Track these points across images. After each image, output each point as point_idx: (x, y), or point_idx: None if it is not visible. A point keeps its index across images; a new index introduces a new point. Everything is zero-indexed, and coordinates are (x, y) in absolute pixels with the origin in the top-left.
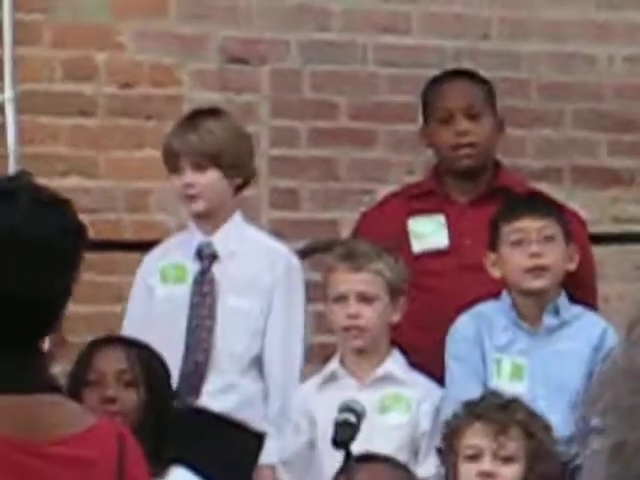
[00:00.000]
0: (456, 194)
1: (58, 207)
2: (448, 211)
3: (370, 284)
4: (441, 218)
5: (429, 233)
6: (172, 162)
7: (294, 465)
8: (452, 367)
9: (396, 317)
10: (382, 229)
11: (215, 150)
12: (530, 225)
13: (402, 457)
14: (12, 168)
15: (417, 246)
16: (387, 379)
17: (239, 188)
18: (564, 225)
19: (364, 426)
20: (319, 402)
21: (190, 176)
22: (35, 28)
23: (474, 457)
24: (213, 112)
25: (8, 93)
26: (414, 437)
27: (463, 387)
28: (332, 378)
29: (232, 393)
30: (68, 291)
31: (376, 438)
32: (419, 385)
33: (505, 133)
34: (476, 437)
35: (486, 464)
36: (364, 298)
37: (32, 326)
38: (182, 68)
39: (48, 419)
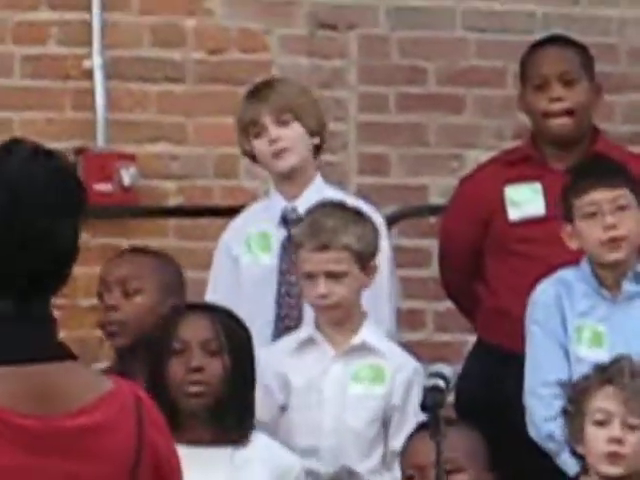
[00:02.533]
0: (553, 161)
1: (53, 158)
2: (545, 178)
3: (338, 262)
4: (538, 185)
5: (526, 201)
6: (253, 126)
7: (263, 429)
8: (533, 331)
9: (369, 281)
10: (479, 196)
11: (296, 103)
12: (602, 197)
13: (375, 428)
14: (101, 134)
15: (513, 214)
16: (363, 348)
17: (316, 150)
18: (637, 191)
19: (339, 395)
20: (295, 367)
21: (275, 131)
22: None
23: (603, 422)
24: (280, 77)
25: (97, 59)
26: (387, 408)
27: (543, 352)
28: (309, 343)
29: None
30: (74, 242)
31: (351, 408)
32: (395, 355)
33: (602, 98)
34: (607, 401)
35: (616, 430)
36: (333, 276)
37: (53, 281)
38: (270, 34)
39: (64, 389)
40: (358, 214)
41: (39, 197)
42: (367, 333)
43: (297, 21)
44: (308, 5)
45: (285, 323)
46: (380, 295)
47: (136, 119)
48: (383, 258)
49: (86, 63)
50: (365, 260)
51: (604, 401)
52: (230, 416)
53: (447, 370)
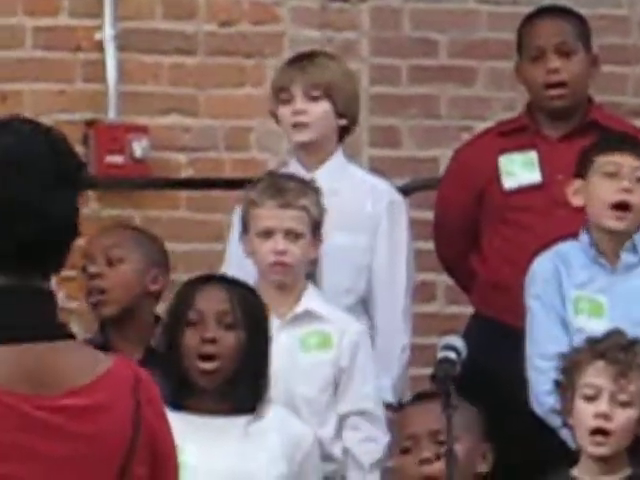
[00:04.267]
0: (547, 130)
1: (52, 133)
2: (540, 147)
3: (298, 221)
4: (533, 154)
5: (521, 169)
6: (283, 92)
7: None
8: (532, 306)
9: (314, 253)
10: (473, 166)
11: (330, 82)
12: (626, 161)
13: (327, 395)
14: (112, 105)
15: (508, 183)
16: (307, 315)
17: (342, 132)
18: None
19: (288, 365)
20: None
21: (301, 103)
22: None
23: (591, 397)
24: (327, 52)
25: (108, 31)
26: (336, 373)
27: (543, 325)
28: None
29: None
30: (71, 215)
31: (299, 377)
32: (339, 320)
33: (600, 69)
34: (597, 376)
35: (603, 405)
36: (291, 235)
37: (46, 253)
38: (282, 5)
39: (61, 368)
40: (309, 184)
41: (30, 168)
42: (309, 300)
43: None
44: None
45: None
46: (398, 266)
47: (147, 91)
48: (402, 231)
49: (97, 35)
50: (316, 228)
51: (594, 376)
52: (243, 388)
53: (458, 342)
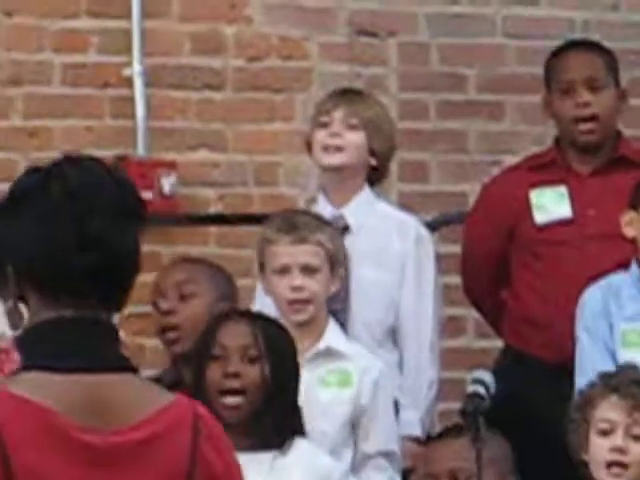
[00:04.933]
0: (577, 164)
1: (115, 170)
2: (570, 182)
3: (313, 256)
4: (563, 189)
5: (552, 204)
6: (323, 115)
7: None
8: (582, 338)
9: (334, 288)
10: (503, 201)
11: (370, 118)
12: None
13: (345, 432)
14: (141, 141)
15: (540, 217)
16: (328, 353)
17: (373, 172)
18: None
19: (307, 402)
20: None
21: (339, 127)
22: (163, 1)
23: (606, 432)
24: (373, 95)
25: (137, 67)
26: (355, 411)
27: (592, 358)
28: None
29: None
30: (133, 249)
31: (320, 414)
32: (360, 358)
33: (628, 103)
34: (611, 411)
35: (619, 440)
36: (308, 270)
37: (110, 285)
38: (311, 40)
39: (121, 401)
40: (323, 219)
41: (97, 203)
42: (331, 337)
43: (337, 28)
44: (348, 12)
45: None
46: (426, 301)
47: (176, 127)
48: (429, 266)
49: (126, 71)
50: (334, 263)
51: (608, 411)
52: (268, 423)
53: (487, 377)
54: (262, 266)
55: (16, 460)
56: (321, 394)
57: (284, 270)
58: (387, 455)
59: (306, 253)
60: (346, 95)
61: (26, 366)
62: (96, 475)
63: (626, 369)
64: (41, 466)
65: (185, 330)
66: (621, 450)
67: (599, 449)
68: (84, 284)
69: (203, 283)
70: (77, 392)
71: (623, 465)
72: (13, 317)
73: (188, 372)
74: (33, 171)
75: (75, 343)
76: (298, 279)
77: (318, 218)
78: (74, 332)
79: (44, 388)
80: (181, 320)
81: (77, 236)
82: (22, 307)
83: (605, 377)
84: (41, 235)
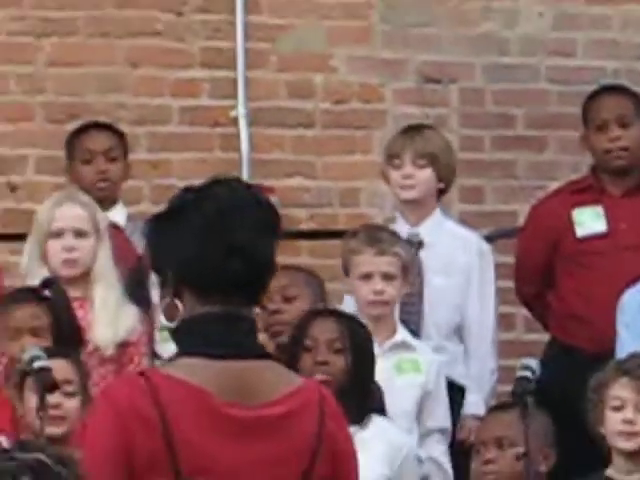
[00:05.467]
0: (610, 187)
1: (256, 190)
2: (604, 202)
3: (391, 265)
4: (599, 208)
5: (590, 221)
6: (395, 158)
7: None
8: (621, 332)
9: (405, 290)
10: (549, 219)
11: (433, 153)
12: None
13: (414, 413)
14: (245, 171)
15: (580, 231)
16: (402, 345)
17: (440, 193)
18: None
19: (385, 386)
20: None
21: (410, 169)
22: (263, 55)
23: (618, 408)
24: (431, 126)
25: (241, 109)
26: (423, 395)
27: (629, 349)
28: None
29: (439, 354)
30: (271, 257)
31: (394, 396)
32: (426, 352)
33: None
34: (622, 390)
35: (629, 413)
36: (387, 277)
37: (254, 287)
38: (385, 87)
39: (262, 382)
40: (398, 235)
41: (242, 215)
42: (403, 332)
43: (407, 76)
44: (416, 62)
45: (408, 326)
46: (487, 303)
47: (274, 158)
48: (489, 273)
49: (232, 113)
50: (406, 270)
51: (619, 390)
52: (350, 403)
53: (533, 363)
54: (346, 271)
55: (177, 435)
56: (396, 379)
57: (367, 276)
58: (443, 431)
59: (386, 263)
60: (413, 136)
61: (182, 353)
62: (241, 444)
63: (635, 355)
64: (197, 438)
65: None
66: (631, 422)
67: (612, 421)
68: (230, 286)
69: (302, 287)
70: (227, 375)
71: (632, 434)
72: (170, 311)
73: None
74: (187, 191)
75: (223, 334)
76: (379, 284)
77: (394, 234)
78: (222, 325)
79: (199, 372)
80: (288, 318)
81: (226, 247)
82: (178, 303)
83: (617, 362)
84: (196, 246)
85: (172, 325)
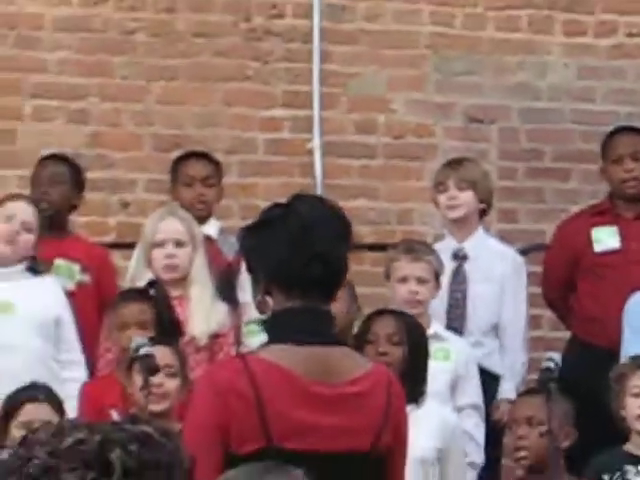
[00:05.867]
0: (624, 212)
1: (332, 204)
2: (619, 223)
3: (425, 270)
4: (614, 229)
5: (606, 239)
6: (441, 185)
7: None
8: (626, 332)
9: (437, 293)
10: (572, 237)
11: (473, 179)
12: None
13: (445, 394)
14: (319, 193)
15: (598, 247)
16: (436, 337)
17: (481, 213)
18: None
19: None
20: None
21: (454, 193)
22: (335, 97)
23: (637, 394)
24: (470, 158)
25: (316, 142)
26: (453, 378)
27: (633, 346)
28: None
29: (478, 348)
30: (345, 261)
31: (431, 377)
32: (456, 342)
33: None
34: (639, 380)
35: None
36: (420, 280)
37: (331, 286)
38: (437, 125)
39: (341, 365)
40: (431, 246)
41: (321, 227)
42: (436, 326)
43: (455, 116)
44: (463, 106)
45: (454, 324)
46: (519, 306)
47: (343, 184)
48: (522, 281)
49: (309, 145)
50: (437, 276)
51: (638, 379)
52: (407, 386)
53: (556, 356)
54: (388, 276)
55: (269, 406)
56: (430, 365)
57: (404, 279)
58: (475, 407)
59: (420, 268)
60: (454, 166)
61: (272, 340)
62: (323, 416)
63: None
64: (286, 410)
65: (338, 322)
66: None
67: (633, 406)
68: (311, 286)
69: (341, 290)
70: (311, 359)
71: None
72: (262, 306)
73: None
74: (276, 206)
75: (307, 324)
76: (415, 286)
77: (427, 245)
78: (306, 317)
79: (289, 356)
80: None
81: (308, 255)
82: (268, 299)
83: (635, 357)
84: (283, 253)
85: (263, 317)
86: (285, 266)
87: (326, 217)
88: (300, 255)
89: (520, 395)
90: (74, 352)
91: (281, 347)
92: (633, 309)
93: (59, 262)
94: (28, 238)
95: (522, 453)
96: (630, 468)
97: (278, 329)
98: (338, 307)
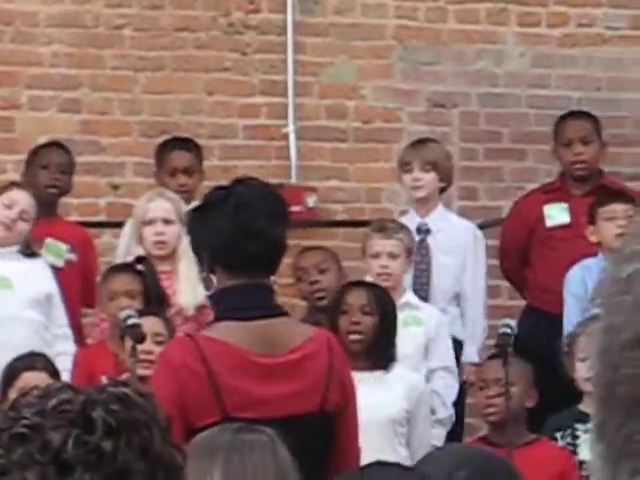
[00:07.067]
0: (573, 190)
1: (269, 185)
2: (569, 200)
3: (395, 247)
4: (565, 205)
5: (557, 214)
6: (406, 165)
7: None
8: (567, 299)
9: (408, 267)
10: (526, 213)
11: (436, 160)
12: (619, 208)
13: (419, 355)
14: (294, 174)
15: (549, 222)
16: (407, 305)
17: (441, 190)
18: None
19: None
20: None
21: (418, 173)
22: (308, 85)
23: (584, 359)
24: (432, 139)
25: (291, 127)
26: (425, 342)
27: (574, 312)
28: None
29: (444, 314)
30: (282, 240)
31: (403, 343)
32: (427, 309)
33: (606, 150)
34: (586, 345)
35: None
36: (391, 255)
37: (269, 262)
38: (402, 110)
39: (283, 335)
40: (402, 224)
41: (258, 206)
42: (408, 296)
43: (419, 102)
44: (426, 92)
45: (420, 294)
46: (479, 276)
47: (316, 165)
48: (481, 254)
49: (284, 130)
50: (408, 252)
51: (585, 345)
52: (378, 353)
53: (512, 322)
54: (364, 252)
55: (220, 381)
56: (402, 331)
57: (376, 255)
58: (446, 369)
59: (391, 245)
60: (418, 147)
61: (218, 317)
62: (271, 384)
63: (594, 317)
64: (236, 381)
65: (327, 292)
66: None
67: (580, 369)
68: (252, 262)
69: (331, 262)
70: (255, 333)
71: None
72: (207, 283)
73: (324, 319)
74: (218, 189)
75: (249, 300)
76: (385, 261)
77: (399, 223)
78: (247, 293)
79: (234, 332)
80: (325, 285)
81: (246, 232)
82: (212, 277)
83: (580, 324)
84: (223, 232)
85: (209, 293)
86: (225, 245)
87: (262, 197)
88: (238, 234)
89: (489, 358)
90: (64, 327)
91: (226, 324)
92: (573, 279)
93: (49, 241)
94: (24, 227)
95: (491, 410)
96: (579, 426)
97: (222, 306)
98: (328, 280)
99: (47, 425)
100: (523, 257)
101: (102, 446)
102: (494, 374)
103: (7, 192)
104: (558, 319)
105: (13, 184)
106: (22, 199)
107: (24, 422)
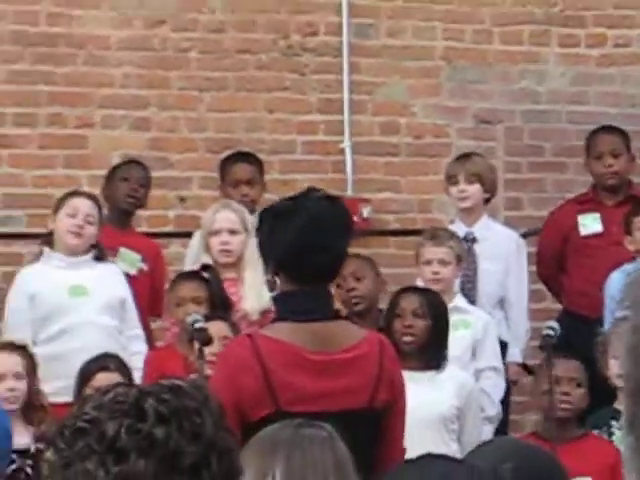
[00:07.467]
0: (605, 200)
1: (336, 200)
2: (601, 210)
3: (446, 254)
4: (597, 215)
5: (590, 223)
6: (452, 178)
7: None
8: (608, 303)
9: (458, 273)
10: (562, 222)
11: (480, 172)
12: None
13: (467, 357)
14: (350, 186)
15: (583, 231)
16: (456, 309)
17: (486, 201)
18: None
19: None
20: None
21: (464, 186)
22: (362, 103)
23: (617, 357)
24: (477, 153)
25: (347, 143)
26: (472, 343)
27: (613, 312)
28: None
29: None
30: (344, 251)
31: (452, 345)
32: (475, 313)
33: (636, 162)
34: (620, 344)
35: None
36: (443, 262)
37: (331, 272)
38: (450, 127)
39: (338, 335)
40: (453, 232)
41: (327, 221)
42: (457, 300)
43: (466, 119)
44: (473, 109)
45: (467, 298)
46: (522, 281)
47: (371, 178)
48: (523, 260)
49: (341, 145)
50: (459, 260)
51: (617, 342)
52: (430, 354)
53: (555, 325)
54: (417, 259)
55: (273, 376)
56: (452, 333)
57: (428, 262)
58: (493, 369)
59: (442, 252)
60: (463, 161)
61: (278, 318)
62: (323, 380)
63: (625, 319)
64: (289, 377)
65: (364, 299)
66: None
67: (613, 367)
68: (316, 271)
69: (367, 270)
70: (310, 332)
71: None
72: (271, 285)
73: (364, 323)
74: (286, 199)
75: (309, 305)
76: (436, 268)
77: (450, 232)
78: (307, 299)
79: (289, 331)
80: (362, 292)
81: (314, 247)
82: (277, 280)
83: (614, 323)
84: (290, 245)
85: (273, 295)
86: (292, 258)
87: (331, 211)
88: (306, 248)
89: (564, 357)
90: (137, 329)
91: (283, 325)
92: (613, 283)
93: (123, 250)
94: (92, 230)
95: (565, 406)
96: (614, 423)
97: (283, 308)
98: (364, 286)
99: (103, 417)
100: (559, 264)
101: (154, 433)
102: (569, 373)
103: (67, 202)
104: (593, 322)
105: (70, 194)
106: (83, 205)
107: (84, 417)
